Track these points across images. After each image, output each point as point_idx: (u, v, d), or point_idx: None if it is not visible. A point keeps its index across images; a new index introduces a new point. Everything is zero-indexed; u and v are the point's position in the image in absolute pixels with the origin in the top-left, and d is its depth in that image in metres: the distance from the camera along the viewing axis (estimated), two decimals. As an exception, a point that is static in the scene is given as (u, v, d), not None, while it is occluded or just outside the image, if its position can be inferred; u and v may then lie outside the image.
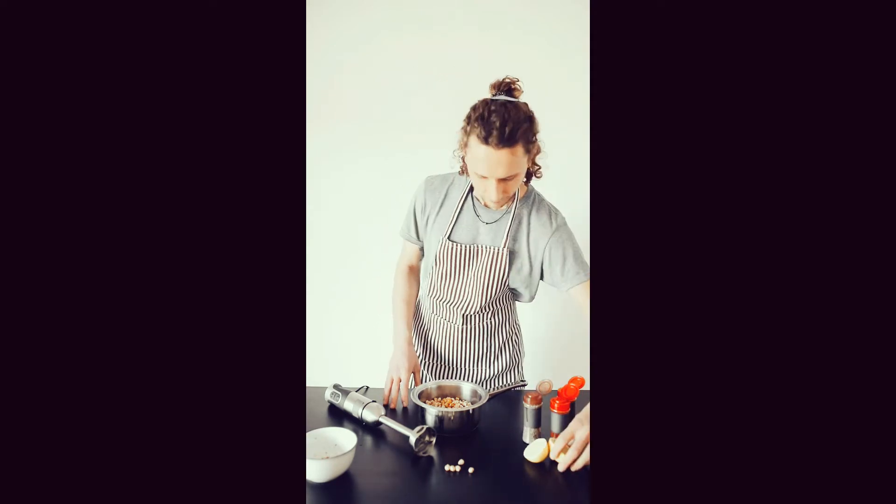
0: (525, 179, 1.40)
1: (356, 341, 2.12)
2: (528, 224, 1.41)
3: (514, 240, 1.41)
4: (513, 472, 1.14)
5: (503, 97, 1.25)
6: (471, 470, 1.12)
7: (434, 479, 1.11)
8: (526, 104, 1.27)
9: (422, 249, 1.57)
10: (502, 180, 1.25)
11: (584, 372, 1.26)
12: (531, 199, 1.44)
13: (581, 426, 1.11)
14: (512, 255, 1.41)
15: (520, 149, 1.21)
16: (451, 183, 1.47)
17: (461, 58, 2.07)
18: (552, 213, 1.43)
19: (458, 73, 2.08)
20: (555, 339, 2.21)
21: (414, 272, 1.61)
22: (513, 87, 1.27)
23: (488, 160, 1.21)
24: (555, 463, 1.15)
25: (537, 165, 1.38)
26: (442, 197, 1.46)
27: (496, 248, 1.40)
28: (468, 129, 1.24)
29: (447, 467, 1.14)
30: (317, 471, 1.07)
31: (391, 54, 2.07)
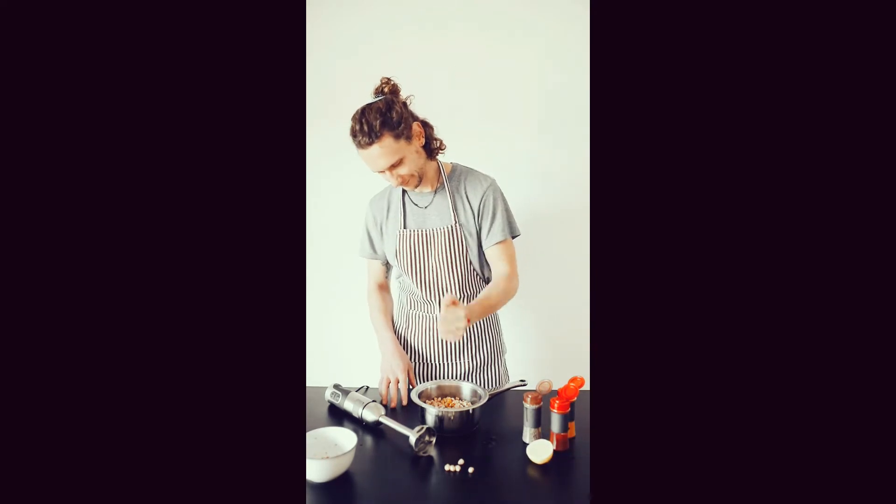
0: (428, 156, 1.50)
1: (356, 341, 2.12)
2: (465, 193, 1.53)
3: (458, 213, 1.53)
4: (513, 472, 1.14)
5: (366, 103, 1.37)
6: (471, 470, 1.12)
7: (434, 479, 1.11)
8: (385, 97, 1.37)
9: (385, 264, 1.68)
10: (393, 167, 1.39)
11: (583, 372, 1.26)
12: (458, 173, 1.56)
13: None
14: (462, 227, 1.52)
15: (387, 138, 1.34)
16: (391, 191, 1.61)
17: (461, 58, 2.07)
18: (482, 176, 1.56)
19: (458, 73, 2.08)
20: (554, 338, 2.21)
21: (384, 288, 1.71)
22: (384, 87, 1.41)
23: (367, 159, 1.38)
24: (555, 463, 1.15)
25: (437, 140, 1.49)
26: (386, 205, 1.60)
27: (448, 227, 1.52)
28: (352, 143, 1.38)
29: (447, 467, 1.14)
30: (317, 471, 1.07)
31: (391, 54, 2.07)
